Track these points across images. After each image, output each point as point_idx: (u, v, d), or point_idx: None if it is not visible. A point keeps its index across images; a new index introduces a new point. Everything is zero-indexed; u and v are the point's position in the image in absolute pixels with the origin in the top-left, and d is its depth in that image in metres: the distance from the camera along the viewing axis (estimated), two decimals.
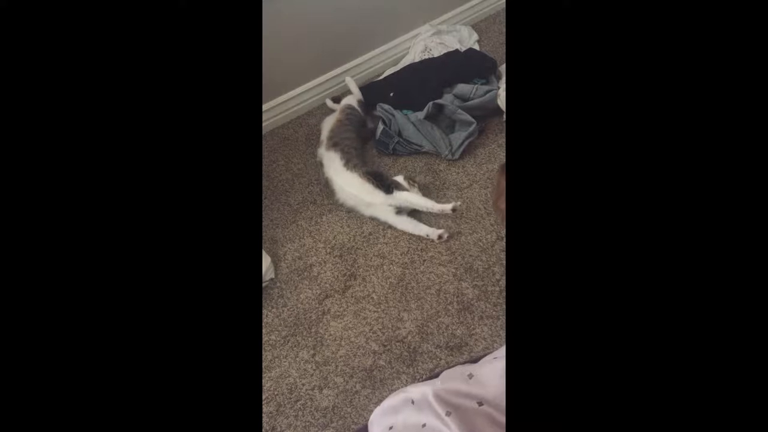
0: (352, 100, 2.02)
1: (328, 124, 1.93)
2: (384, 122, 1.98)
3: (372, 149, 1.99)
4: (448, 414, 0.73)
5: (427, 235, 1.62)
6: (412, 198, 1.66)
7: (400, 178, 1.72)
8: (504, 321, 1.44)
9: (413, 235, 1.68)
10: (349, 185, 1.73)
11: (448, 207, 1.61)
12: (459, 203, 1.62)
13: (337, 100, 2.13)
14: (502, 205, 1.66)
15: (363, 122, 2.00)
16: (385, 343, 1.44)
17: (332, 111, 2.09)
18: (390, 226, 1.71)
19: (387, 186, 1.68)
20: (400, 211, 1.67)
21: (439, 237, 1.61)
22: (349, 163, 1.75)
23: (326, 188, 1.82)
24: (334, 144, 1.80)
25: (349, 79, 2.12)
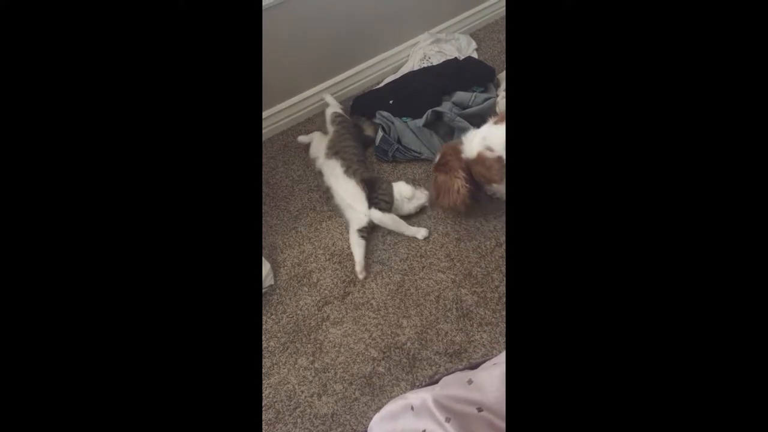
0: (336, 107, 2.02)
1: (319, 142, 1.93)
2: (383, 129, 1.98)
3: (372, 156, 2.00)
4: (447, 420, 0.73)
5: (355, 267, 1.64)
6: (386, 219, 1.67)
7: (401, 184, 1.73)
8: (503, 327, 1.44)
9: (412, 242, 1.69)
10: (345, 191, 1.74)
11: (420, 232, 1.67)
12: (427, 233, 1.67)
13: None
14: (442, 202, 1.63)
15: (358, 128, 2.00)
16: (385, 350, 1.44)
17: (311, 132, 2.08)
18: (389, 232, 1.72)
19: (371, 200, 1.69)
20: (363, 231, 1.68)
21: (359, 273, 1.63)
22: (350, 170, 1.76)
23: (326, 195, 1.83)
24: (335, 153, 1.81)
25: (327, 95, 2.12)
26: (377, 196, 1.70)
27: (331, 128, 1.92)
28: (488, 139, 1.55)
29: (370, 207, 1.69)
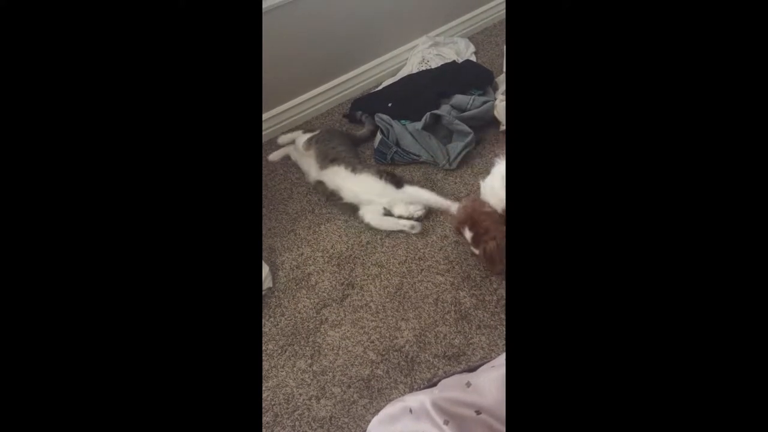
0: (302, 137, 1.99)
1: (305, 157, 1.93)
2: (382, 132, 1.99)
3: (371, 158, 2.00)
4: (446, 423, 0.73)
5: (411, 228, 1.69)
6: (421, 192, 1.74)
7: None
8: (501, 330, 1.44)
9: (411, 244, 1.69)
10: (360, 188, 1.76)
11: (452, 205, 1.70)
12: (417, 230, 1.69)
13: (354, 116, 2.12)
14: (499, 268, 1.49)
15: (343, 132, 2.03)
16: (383, 353, 1.44)
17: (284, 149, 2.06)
18: (387, 234, 1.72)
19: (398, 181, 1.75)
20: (387, 213, 1.74)
21: (412, 227, 1.69)
22: (356, 169, 1.78)
23: (332, 198, 1.82)
24: (332, 160, 1.81)
25: (281, 138, 2.07)
26: (400, 178, 1.76)
27: (308, 152, 1.90)
28: None
29: (400, 187, 1.74)
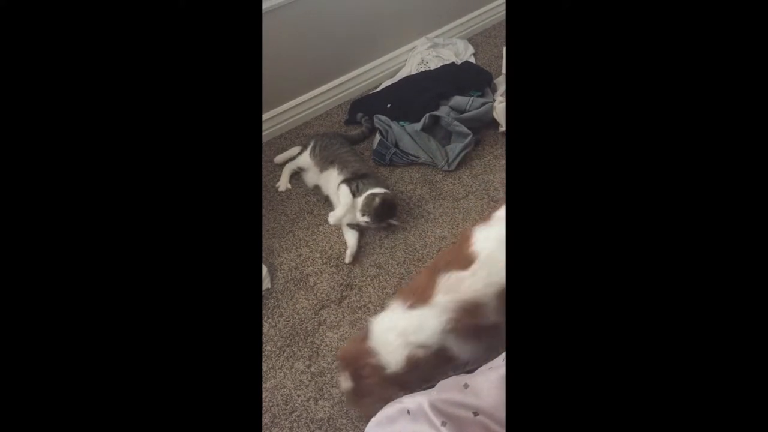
0: (295, 150, 1.99)
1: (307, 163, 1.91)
2: (381, 133, 1.99)
3: (369, 159, 2.00)
4: (443, 424, 0.73)
5: (346, 251, 1.67)
6: (344, 199, 1.68)
7: (367, 198, 1.66)
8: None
9: (409, 245, 1.69)
10: (333, 189, 1.76)
11: (347, 253, 1.66)
12: (348, 261, 1.65)
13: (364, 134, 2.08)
14: (362, 408, 1.16)
15: (341, 134, 2.02)
16: None
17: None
18: (386, 235, 1.73)
19: (349, 180, 1.72)
20: (353, 225, 1.70)
21: (347, 258, 1.66)
22: (345, 170, 1.77)
23: (327, 202, 1.83)
24: (331, 162, 1.81)
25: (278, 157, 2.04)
26: (356, 182, 1.70)
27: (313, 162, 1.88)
28: (413, 333, 1.11)
29: (342, 182, 1.70)
